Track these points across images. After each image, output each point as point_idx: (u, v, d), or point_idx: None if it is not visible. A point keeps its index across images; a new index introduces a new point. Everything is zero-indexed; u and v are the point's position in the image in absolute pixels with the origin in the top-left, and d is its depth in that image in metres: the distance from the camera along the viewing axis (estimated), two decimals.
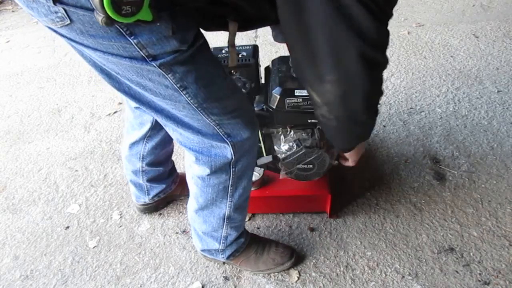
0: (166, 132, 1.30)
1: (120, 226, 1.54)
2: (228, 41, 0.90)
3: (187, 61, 0.81)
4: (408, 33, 2.60)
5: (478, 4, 2.88)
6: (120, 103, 2.21)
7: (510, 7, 2.81)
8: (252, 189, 1.44)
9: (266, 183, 1.47)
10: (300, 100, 1.18)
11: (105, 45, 0.77)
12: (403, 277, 1.30)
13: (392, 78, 2.20)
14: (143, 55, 0.77)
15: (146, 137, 1.34)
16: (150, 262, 1.41)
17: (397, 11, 2.89)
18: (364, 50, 0.71)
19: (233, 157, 1.02)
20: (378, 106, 0.90)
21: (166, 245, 1.46)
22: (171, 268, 1.38)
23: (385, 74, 2.21)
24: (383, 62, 0.77)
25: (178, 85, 0.83)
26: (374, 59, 0.74)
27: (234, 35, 0.88)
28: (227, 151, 1.01)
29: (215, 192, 1.12)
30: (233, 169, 1.06)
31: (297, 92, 1.18)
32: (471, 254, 1.34)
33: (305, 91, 1.17)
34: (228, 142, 0.99)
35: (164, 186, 1.51)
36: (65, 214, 1.61)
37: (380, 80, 0.82)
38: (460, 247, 1.37)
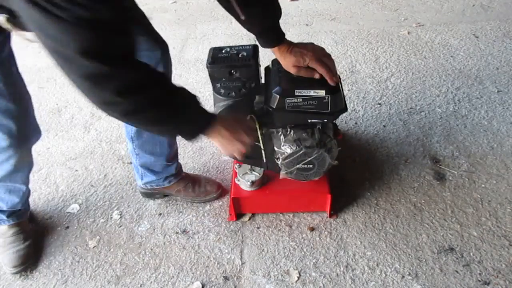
0: None
1: (120, 226, 1.54)
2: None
3: None
4: (408, 33, 2.60)
5: (478, 4, 2.88)
6: None
7: (510, 7, 2.81)
8: (252, 189, 1.45)
9: (266, 183, 1.47)
10: (300, 100, 1.18)
11: None
12: (403, 277, 1.30)
13: (392, 78, 2.20)
14: None
15: None
16: (150, 262, 1.41)
17: (397, 11, 2.89)
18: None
19: None
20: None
21: (166, 245, 1.46)
22: (171, 268, 1.38)
23: (385, 74, 2.22)
24: (73, 53, 0.78)
25: None
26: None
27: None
28: None
29: None
30: None
31: (297, 92, 1.18)
32: (471, 254, 1.34)
33: (306, 91, 1.17)
34: None
35: (154, 178, 1.53)
36: (65, 214, 1.61)
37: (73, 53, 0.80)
38: (460, 247, 1.37)
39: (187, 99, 1.00)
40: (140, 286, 1.34)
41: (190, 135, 1.04)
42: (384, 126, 1.89)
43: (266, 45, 1.22)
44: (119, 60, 0.83)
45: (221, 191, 1.60)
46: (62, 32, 0.75)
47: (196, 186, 1.58)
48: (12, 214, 1.43)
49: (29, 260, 1.42)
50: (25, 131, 1.28)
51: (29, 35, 0.91)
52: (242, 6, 1.02)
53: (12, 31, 0.99)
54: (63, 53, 0.79)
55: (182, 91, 0.99)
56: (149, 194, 1.61)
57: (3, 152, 1.25)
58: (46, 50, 0.81)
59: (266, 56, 1.56)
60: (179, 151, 1.85)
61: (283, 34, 1.22)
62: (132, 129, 1.40)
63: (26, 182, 1.41)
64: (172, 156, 1.52)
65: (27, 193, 1.45)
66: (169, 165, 1.52)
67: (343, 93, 1.25)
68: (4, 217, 1.42)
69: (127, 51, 0.86)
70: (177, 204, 1.60)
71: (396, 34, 2.60)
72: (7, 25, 0.94)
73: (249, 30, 1.22)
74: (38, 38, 0.80)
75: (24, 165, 1.36)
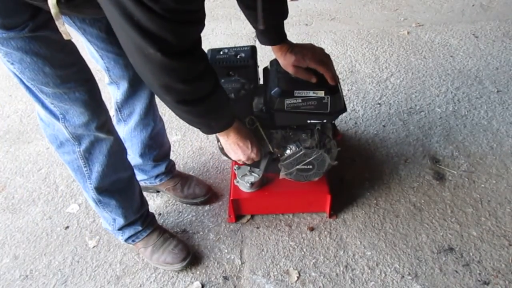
0: (135, 123, 1.40)
1: None
2: (53, 15, 0.91)
3: (6, 44, 0.90)
4: (408, 33, 2.60)
5: (478, 4, 2.88)
6: None
7: (510, 7, 2.81)
8: (252, 190, 1.45)
9: (265, 184, 1.47)
10: (300, 101, 1.18)
11: None
12: (403, 277, 1.30)
13: (392, 78, 2.20)
14: None
15: (122, 119, 1.42)
16: (149, 262, 1.41)
17: (397, 11, 2.89)
18: (133, 37, 0.76)
19: (70, 137, 1.10)
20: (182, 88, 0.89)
21: None
22: None
23: (385, 74, 2.22)
24: (154, 51, 0.78)
25: (5, 59, 0.94)
26: (142, 45, 0.78)
27: (56, 8, 0.88)
28: (63, 130, 1.09)
29: (73, 170, 1.19)
30: (77, 149, 1.13)
31: (296, 93, 1.18)
32: (471, 254, 1.35)
33: (305, 91, 1.18)
34: (61, 123, 1.06)
35: (146, 176, 1.55)
36: (64, 214, 1.61)
37: (162, 63, 0.82)
38: (460, 247, 1.37)
39: (225, 97, 1.04)
40: (140, 286, 1.34)
41: (212, 131, 1.10)
42: (383, 126, 1.90)
43: (267, 42, 1.22)
44: (192, 50, 0.85)
45: (210, 195, 1.59)
46: (153, 24, 0.74)
47: (185, 187, 1.57)
48: (143, 221, 1.36)
49: (190, 250, 1.39)
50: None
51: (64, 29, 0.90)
52: (264, 14, 1.01)
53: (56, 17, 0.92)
54: (142, 47, 0.78)
55: (222, 89, 1.02)
56: (144, 188, 1.62)
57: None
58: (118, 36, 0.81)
59: (265, 57, 1.57)
60: (178, 151, 1.85)
61: (285, 34, 1.22)
62: (125, 129, 1.42)
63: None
64: (160, 157, 1.52)
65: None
66: (158, 164, 1.53)
67: (342, 93, 1.25)
68: (140, 228, 1.36)
69: (199, 39, 0.87)
70: (177, 204, 1.60)
71: (396, 34, 2.60)
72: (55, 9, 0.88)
73: (252, 24, 1.22)
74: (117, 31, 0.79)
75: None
